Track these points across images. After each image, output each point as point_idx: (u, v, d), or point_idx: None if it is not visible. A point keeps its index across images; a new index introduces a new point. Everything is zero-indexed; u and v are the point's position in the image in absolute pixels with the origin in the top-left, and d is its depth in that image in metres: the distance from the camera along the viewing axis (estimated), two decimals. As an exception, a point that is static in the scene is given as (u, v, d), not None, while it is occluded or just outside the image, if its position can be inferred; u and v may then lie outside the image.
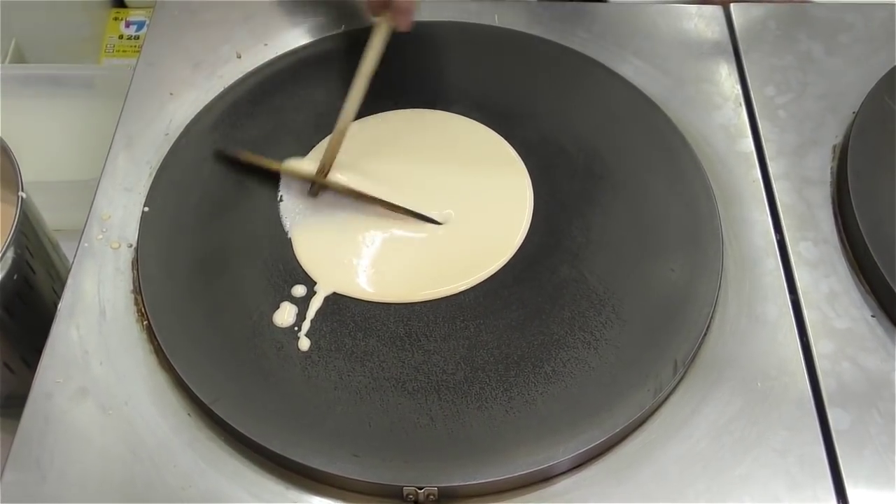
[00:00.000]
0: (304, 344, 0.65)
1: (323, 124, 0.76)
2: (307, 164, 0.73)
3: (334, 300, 0.67)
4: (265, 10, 0.88)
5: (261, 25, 0.86)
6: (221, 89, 0.80)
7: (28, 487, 0.60)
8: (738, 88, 0.81)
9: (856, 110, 0.78)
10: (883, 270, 0.67)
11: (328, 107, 0.76)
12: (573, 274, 0.68)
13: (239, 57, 0.84)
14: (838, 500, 0.60)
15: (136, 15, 1.36)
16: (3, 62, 1.24)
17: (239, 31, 0.86)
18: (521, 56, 0.83)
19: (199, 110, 0.78)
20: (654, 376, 0.63)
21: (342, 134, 0.72)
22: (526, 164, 0.76)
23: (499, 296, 0.68)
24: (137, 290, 0.68)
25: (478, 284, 0.68)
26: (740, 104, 0.80)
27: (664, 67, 0.83)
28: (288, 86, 0.80)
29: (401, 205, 0.71)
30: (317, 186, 0.72)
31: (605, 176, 0.75)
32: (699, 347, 0.65)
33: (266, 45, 0.84)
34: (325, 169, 0.72)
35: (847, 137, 0.76)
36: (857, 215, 0.70)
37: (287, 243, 0.71)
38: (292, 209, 0.73)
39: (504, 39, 0.84)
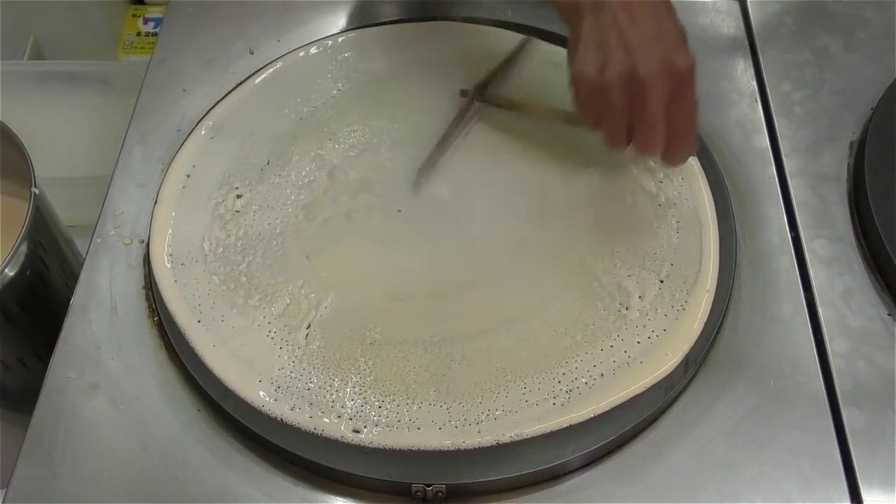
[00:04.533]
0: (312, 339, 0.65)
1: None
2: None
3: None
4: (278, 7, 0.88)
5: (273, 22, 0.86)
6: (234, 85, 0.80)
7: (40, 482, 0.60)
8: (753, 84, 0.81)
9: (873, 106, 0.77)
10: (899, 268, 0.66)
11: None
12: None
13: (252, 53, 0.84)
14: (852, 501, 0.59)
15: (153, 12, 1.37)
16: (21, 59, 1.25)
17: (252, 28, 0.86)
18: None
19: (211, 106, 0.79)
20: (666, 374, 0.62)
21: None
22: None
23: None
24: (149, 286, 0.69)
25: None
26: (756, 100, 0.79)
27: (679, 63, 0.82)
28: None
29: None
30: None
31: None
32: (711, 345, 0.65)
33: (279, 41, 0.84)
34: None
35: (864, 134, 0.75)
36: (873, 212, 0.69)
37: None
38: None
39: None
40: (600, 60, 0.61)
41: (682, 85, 0.60)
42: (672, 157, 0.64)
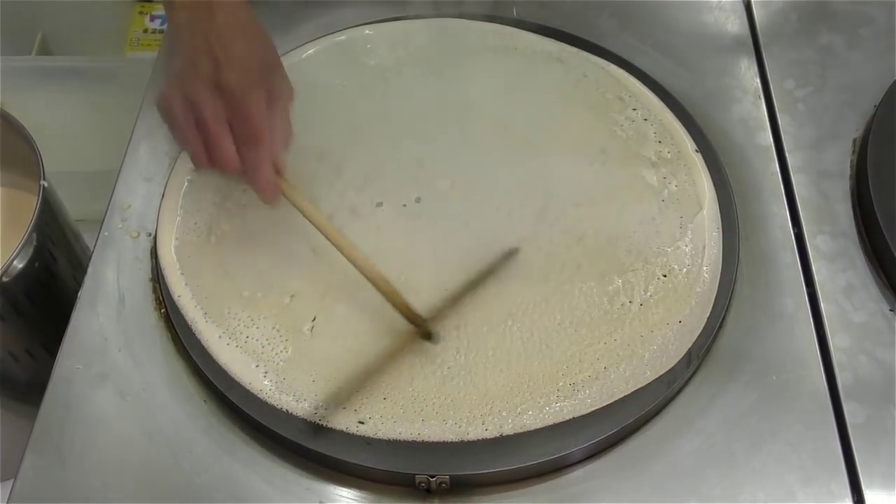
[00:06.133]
0: (317, 332, 0.65)
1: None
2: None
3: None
4: (282, 4, 0.88)
5: (278, 18, 0.87)
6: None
7: (48, 472, 0.61)
8: (757, 81, 0.81)
9: (877, 104, 0.77)
10: (901, 264, 0.66)
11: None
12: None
13: (258, 49, 0.84)
14: (853, 495, 0.59)
15: (160, 9, 1.37)
16: (30, 55, 1.25)
17: (258, 24, 0.86)
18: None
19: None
20: (668, 368, 0.63)
21: (385, 281, 0.64)
22: (542, 157, 0.76)
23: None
24: (156, 279, 0.69)
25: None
26: (759, 97, 0.80)
27: (683, 61, 0.83)
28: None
29: None
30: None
31: (622, 168, 0.74)
32: (714, 340, 0.65)
33: (284, 37, 0.85)
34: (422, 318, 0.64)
35: (867, 131, 0.75)
36: (875, 209, 0.69)
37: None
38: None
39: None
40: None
41: (235, 105, 0.61)
42: (250, 181, 0.64)
